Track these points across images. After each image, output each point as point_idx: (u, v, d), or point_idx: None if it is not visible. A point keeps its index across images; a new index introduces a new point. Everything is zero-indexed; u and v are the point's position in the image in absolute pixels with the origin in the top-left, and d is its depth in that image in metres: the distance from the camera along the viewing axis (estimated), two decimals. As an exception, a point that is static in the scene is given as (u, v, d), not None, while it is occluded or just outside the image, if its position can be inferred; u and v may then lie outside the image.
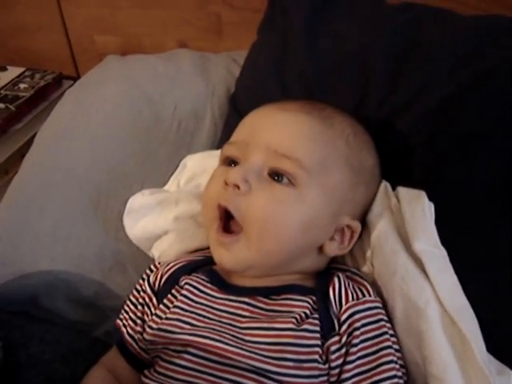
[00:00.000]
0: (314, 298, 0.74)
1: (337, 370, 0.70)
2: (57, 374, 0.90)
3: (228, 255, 0.75)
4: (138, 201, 0.95)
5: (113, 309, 0.98)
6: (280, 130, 0.76)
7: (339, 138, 0.78)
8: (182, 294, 0.77)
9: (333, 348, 0.70)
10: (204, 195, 0.81)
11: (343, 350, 0.70)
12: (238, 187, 0.73)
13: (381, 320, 0.73)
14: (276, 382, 0.69)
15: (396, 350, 0.73)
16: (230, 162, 0.79)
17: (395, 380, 0.70)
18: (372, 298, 0.75)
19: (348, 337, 0.71)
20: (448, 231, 0.78)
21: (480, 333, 0.72)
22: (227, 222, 0.76)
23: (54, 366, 0.91)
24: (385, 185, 0.83)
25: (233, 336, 0.71)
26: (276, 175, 0.74)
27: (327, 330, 0.72)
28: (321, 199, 0.75)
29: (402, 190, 0.82)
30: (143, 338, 0.79)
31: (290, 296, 0.75)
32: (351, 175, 0.78)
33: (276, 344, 0.70)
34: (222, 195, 0.75)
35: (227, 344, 0.70)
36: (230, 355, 0.69)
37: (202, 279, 0.79)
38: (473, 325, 0.72)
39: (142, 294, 0.84)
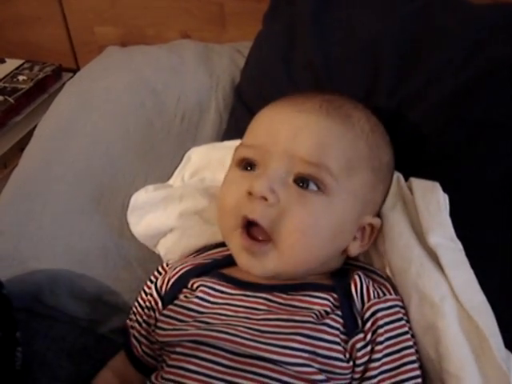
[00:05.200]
0: (334, 295, 0.73)
1: (361, 368, 0.69)
2: (62, 372, 0.89)
3: (257, 263, 0.73)
4: (142, 197, 0.93)
5: (118, 305, 0.96)
6: (303, 134, 0.73)
7: (360, 138, 0.76)
8: (197, 297, 0.75)
9: (358, 345, 0.69)
10: (222, 202, 0.78)
11: (369, 348, 0.69)
12: (266, 198, 0.70)
13: (402, 319, 0.72)
14: (291, 374, 0.67)
15: (416, 351, 0.72)
16: (245, 164, 0.76)
17: (419, 380, 0.70)
18: (393, 296, 0.74)
19: (372, 334, 0.70)
20: (462, 223, 0.76)
21: (497, 328, 0.71)
22: (249, 228, 0.73)
23: (59, 363, 0.90)
24: (397, 176, 0.82)
25: (248, 328, 0.69)
26: (302, 182, 0.72)
27: (351, 327, 0.70)
28: (348, 204, 0.73)
29: (416, 182, 0.81)
30: (151, 341, 0.79)
31: (308, 293, 0.74)
32: (372, 175, 0.76)
33: (292, 334, 0.68)
34: (245, 206, 0.72)
35: (242, 337, 0.68)
36: (243, 348, 0.68)
37: (217, 280, 0.77)
38: (490, 320, 0.71)
39: (149, 297, 0.83)
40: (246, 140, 0.79)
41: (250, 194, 0.71)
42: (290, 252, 0.71)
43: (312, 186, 0.71)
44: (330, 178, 0.71)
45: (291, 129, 0.73)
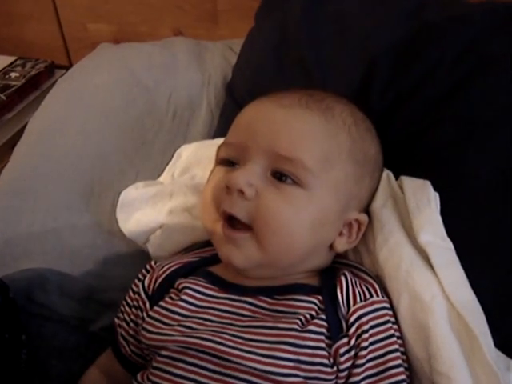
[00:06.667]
0: (320, 297, 0.73)
1: (345, 373, 0.68)
2: (53, 370, 0.89)
3: (237, 252, 0.72)
4: (132, 194, 0.93)
5: (108, 303, 0.96)
6: (279, 129, 0.73)
7: (341, 130, 0.75)
8: (181, 299, 0.75)
9: (342, 350, 0.68)
10: (204, 198, 0.78)
11: (352, 353, 0.68)
12: (243, 192, 0.70)
13: (388, 322, 0.72)
14: (276, 380, 0.66)
15: (402, 353, 0.71)
16: (228, 161, 0.76)
17: None
18: (379, 298, 0.73)
19: (357, 339, 0.69)
20: (454, 222, 0.76)
21: (488, 328, 0.70)
22: (231, 221, 0.73)
23: (50, 362, 0.89)
24: (387, 174, 0.82)
25: (232, 336, 0.69)
26: (280, 175, 0.71)
27: (335, 331, 0.70)
28: (328, 197, 0.73)
29: (406, 180, 0.80)
30: (139, 340, 0.78)
31: (294, 296, 0.73)
32: (356, 168, 0.75)
33: (276, 343, 0.68)
34: (224, 200, 0.72)
35: (226, 345, 0.68)
36: (228, 357, 0.67)
37: (202, 281, 0.77)
38: (480, 319, 0.71)
39: (136, 296, 0.82)
40: (228, 138, 0.79)
41: (227, 188, 0.71)
42: (269, 242, 0.71)
43: (289, 180, 0.71)
44: (305, 173, 0.71)
45: (269, 124, 0.73)
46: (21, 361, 0.86)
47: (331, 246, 0.77)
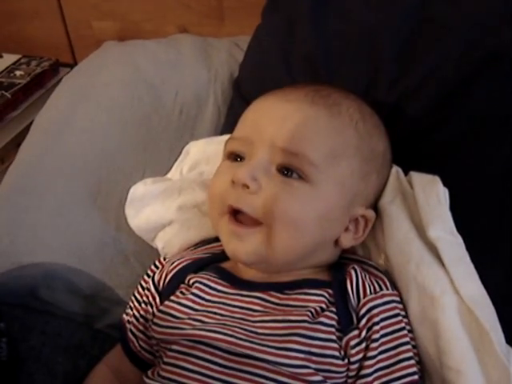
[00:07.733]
0: (329, 291, 0.73)
1: (356, 365, 0.68)
2: (59, 368, 0.88)
3: (243, 247, 0.73)
4: (140, 190, 0.92)
5: (114, 301, 0.96)
6: (284, 124, 0.73)
7: (348, 126, 0.75)
8: (192, 293, 0.75)
9: (352, 342, 0.68)
10: (210, 191, 0.78)
11: (363, 345, 0.69)
12: (247, 186, 0.71)
13: (398, 315, 0.72)
14: (287, 374, 0.67)
15: (413, 346, 0.71)
16: (234, 156, 0.77)
17: (416, 377, 0.69)
18: (389, 291, 0.74)
19: (368, 331, 0.69)
20: (463, 217, 0.76)
21: (498, 322, 0.70)
22: (237, 215, 0.73)
23: (55, 359, 0.89)
24: (396, 170, 0.81)
25: (244, 330, 0.69)
26: (286, 170, 0.72)
27: (345, 323, 0.70)
28: (333, 193, 0.73)
29: (415, 175, 0.80)
30: (148, 336, 0.79)
31: (304, 290, 0.73)
32: (362, 164, 0.75)
33: (288, 335, 0.68)
34: (230, 194, 0.73)
35: (238, 338, 0.68)
36: (239, 349, 0.68)
37: (213, 276, 0.77)
38: (490, 314, 0.71)
39: (146, 292, 0.83)
40: (235, 133, 0.80)
41: (233, 182, 0.72)
42: (275, 237, 0.71)
43: (295, 175, 0.72)
44: (310, 168, 0.71)
45: (274, 119, 0.74)
46: (1, 350, 0.84)
47: (337, 242, 0.77)
